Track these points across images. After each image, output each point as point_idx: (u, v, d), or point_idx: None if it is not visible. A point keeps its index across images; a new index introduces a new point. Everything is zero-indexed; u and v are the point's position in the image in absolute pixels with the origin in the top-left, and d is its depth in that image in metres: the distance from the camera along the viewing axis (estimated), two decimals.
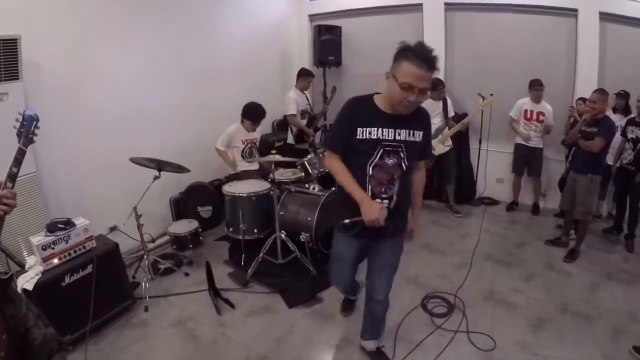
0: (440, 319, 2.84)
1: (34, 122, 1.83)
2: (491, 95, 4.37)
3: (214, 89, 4.83)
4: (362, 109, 1.98)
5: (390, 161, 1.94)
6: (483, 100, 4.42)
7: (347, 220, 1.94)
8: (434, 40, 4.95)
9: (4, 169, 1.70)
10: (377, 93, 2.01)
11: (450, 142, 4.73)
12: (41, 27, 3.19)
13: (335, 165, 1.98)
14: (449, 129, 4.60)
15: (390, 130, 1.91)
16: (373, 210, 1.83)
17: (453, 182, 4.78)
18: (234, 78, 5.06)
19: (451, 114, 4.73)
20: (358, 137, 1.93)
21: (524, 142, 4.61)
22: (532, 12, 4.55)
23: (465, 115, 4.73)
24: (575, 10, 4.31)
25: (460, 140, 5.00)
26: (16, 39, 2.85)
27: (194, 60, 4.57)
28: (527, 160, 4.66)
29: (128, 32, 3.88)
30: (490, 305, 2.98)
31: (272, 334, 2.90)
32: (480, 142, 4.85)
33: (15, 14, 2.97)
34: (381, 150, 1.92)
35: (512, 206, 4.83)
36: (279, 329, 2.94)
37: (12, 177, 1.72)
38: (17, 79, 2.95)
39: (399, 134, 1.92)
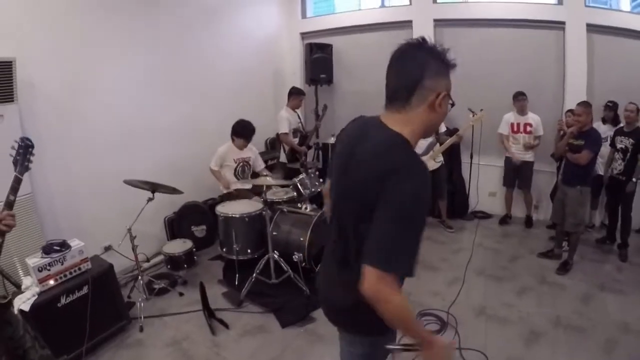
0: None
1: (30, 149, 1.87)
2: (481, 110, 4.42)
3: (208, 108, 4.89)
4: None
5: None
6: (473, 116, 4.46)
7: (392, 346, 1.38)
8: None
9: (1, 191, 1.74)
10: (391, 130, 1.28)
11: (441, 158, 4.76)
12: (36, 49, 3.25)
13: (402, 302, 1.14)
14: (440, 145, 4.64)
15: None
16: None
17: (445, 197, 4.81)
18: (227, 97, 5.12)
19: (442, 129, 4.77)
20: None
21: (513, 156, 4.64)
22: (520, 26, 4.64)
23: (456, 130, 4.77)
24: (563, 23, 4.39)
25: (452, 155, 5.04)
26: (11, 62, 2.91)
27: (187, 80, 4.63)
28: (517, 174, 4.69)
29: (122, 54, 3.95)
30: (483, 320, 2.99)
31: (266, 353, 2.90)
32: (471, 157, 4.89)
33: (10, 36, 3.04)
34: None
35: (505, 219, 4.85)
36: (273, 348, 2.95)
37: (10, 204, 1.76)
38: (12, 101, 3.01)
39: None
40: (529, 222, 4.76)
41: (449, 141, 4.55)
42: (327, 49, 5.71)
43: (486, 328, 2.90)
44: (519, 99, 4.48)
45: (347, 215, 1.29)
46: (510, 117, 4.61)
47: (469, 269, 3.67)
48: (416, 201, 1.11)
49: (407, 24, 5.16)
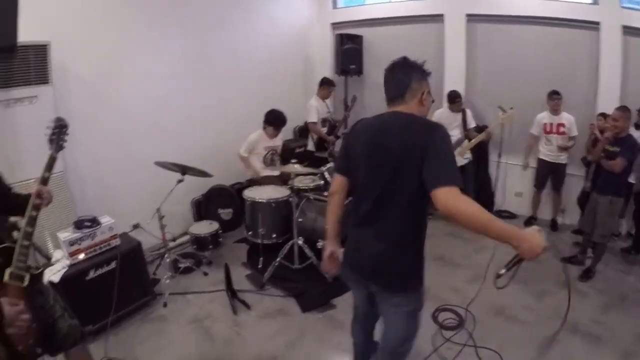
0: (450, 331, 2.88)
1: (64, 129, 1.96)
2: (511, 108, 4.37)
3: (238, 95, 4.98)
4: None
5: None
6: (503, 113, 4.42)
7: (503, 271, 1.60)
8: (455, 51, 5.02)
9: (33, 166, 1.85)
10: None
11: (469, 155, 4.74)
12: (70, 33, 3.37)
13: (475, 204, 1.45)
14: (469, 141, 4.62)
15: None
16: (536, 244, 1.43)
17: (471, 194, 4.75)
18: (257, 85, 5.20)
19: (471, 125, 4.75)
20: None
21: (547, 159, 4.56)
22: (554, 25, 4.52)
23: (485, 127, 4.74)
24: (597, 23, 4.26)
25: (480, 152, 5.00)
26: (46, 45, 3.05)
27: (218, 67, 4.73)
28: (549, 175, 4.62)
29: (154, 39, 4.05)
30: (501, 321, 3.00)
31: (285, 336, 3.00)
32: (499, 155, 4.84)
33: (46, 21, 3.15)
34: None
35: (531, 221, 4.78)
36: (292, 332, 3.04)
37: (44, 181, 1.84)
38: (47, 82, 3.14)
39: None
40: (554, 225, 4.69)
41: (478, 138, 4.53)
42: (357, 40, 5.71)
43: (503, 329, 2.91)
44: (553, 98, 4.38)
45: (390, 179, 1.66)
46: (544, 117, 4.52)
47: (490, 269, 3.65)
48: (449, 141, 1.64)
49: (438, 18, 5.12)
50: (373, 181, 1.72)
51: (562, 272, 3.62)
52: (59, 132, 1.93)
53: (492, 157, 5.05)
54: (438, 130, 1.63)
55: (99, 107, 3.71)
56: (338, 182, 2.00)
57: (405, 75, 1.75)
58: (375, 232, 1.75)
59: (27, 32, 2.80)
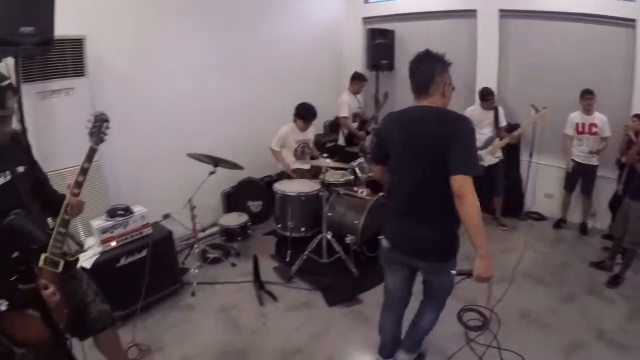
0: (474, 332, 2.90)
1: (105, 124, 2.02)
2: (544, 107, 4.29)
3: (269, 88, 5.05)
4: None
5: None
6: (536, 113, 4.35)
7: (454, 272, 2.08)
8: (488, 47, 4.95)
9: (68, 156, 1.91)
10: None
11: (500, 153, 4.69)
12: (105, 27, 3.49)
13: (477, 201, 1.82)
14: (500, 140, 4.57)
15: None
16: (491, 269, 1.91)
17: (501, 194, 4.71)
18: (288, 78, 5.26)
19: (503, 124, 4.68)
20: None
21: (578, 159, 4.45)
22: (589, 22, 4.38)
23: (517, 126, 4.67)
24: (634, 20, 4.11)
25: (511, 151, 4.92)
26: (81, 39, 3.18)
27: (250, 60, 4.80)
28: (580, 178, 4.52)
29: (186, 32, 4.15)
30: (525, 324, 3.00)
31: (310, 329, 3.05)
32: (530, 155, 4.77)
33: (82, 15, 3.28)
34: None
35: (560, 224, 4.71)
36: (318, 325, 3.09)
37: (84, 170, 1.88)
38: (83, 75, 3.28)
39: None
40: (584, 229, 4.59)
41: (509, 137, 4.48)
42: (389, 34, 5.67)
43: (528, 331, 2.92)
44: (586, 98, 4.24)
45: (425, 165, 1.94)
46: (576, 116, 4.40)
47: (518, 270, 3.63)
48: (473, 134, 1.90)
49: (471, 14, 5.03)
50: (411, 169, 2.00)
51: (589, 277, 3.60)
52: (100, 125, 1.99)
53: (523, 157, 4.97)
54: (465, 123, 1.91)
55: (133, 98, 3.83)
56: (378, 170, 2.32)
57: (429, 67, 1.96)
58: (417, 217, 2.03)
59: (64, 27, 2.91)
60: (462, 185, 1.78)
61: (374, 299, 3.33)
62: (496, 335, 2.83)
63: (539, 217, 4.91)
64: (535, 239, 4.33)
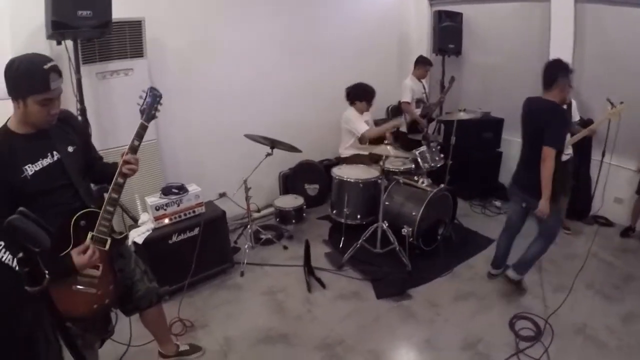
0: (525, 342, 2.80)
1: (157, 99, 1.99)
2: (621, 103, 3.94)
3: (331, 70, 5.01)
4: None
5: None
6: (611, 108, 4.02)
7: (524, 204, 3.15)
8: (562, 33, 4.59)
9: (127, 135, 1.96)
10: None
11: (570, 150, 4.41)
12: (163, 9, 3.59)
13: (552, 166, 2.80)
14: (571, 136, 4.30)
15: None
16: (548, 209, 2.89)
17: (569, 194, 4.40)
18: (350, 61, 5.19)
19: (576, 118, 4.38)
20: None
21: None
22: None
23: (590, 122, 4.36)
24: None
25: (582, 149, 4.60)
26: (140, 21, 3.30)
27: (311, 42, 4.78)
28: None
29: (245, 12, 4.18)
30: (580, 339, 2.85)
31: (356, 320, 3.07)
32: (603, 154, 4.41)
33: None
34: None
35: (628, 232, 4.36)
36: (363, 317, 3.11)
37: (134, 149, 1.90)
38: (142, 56, 3.41)
39: None
40: None
41: (581, 134, 4.16)
42: (457, 17, 5.40)
43: (582, 348, 2.78)
44: None
45: (532, 137, 3.00)
46: None
47: (578, 279, 3.45)
48: (562, 118, 2.98)
49: None
50: (526, 137, 3.11)
51: None
52: (151, 101, 1.97)
53: (595, 156, 4.64)
54: (556, 111, 2.87)
55: (191, 79, 3.94)
56: None
57: (554, 72, 2.86)
58: (525, 166, 3.10)
59: (123, 9, 3.05)
60: (547, 155, 2.78)
61: (424, 295, 3.36)
62: (547, 349, 2.73)
63: (606, 223, 4.58)
64: (601, 246, 4.07)
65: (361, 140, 4.43)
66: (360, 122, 4.35)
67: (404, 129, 5.22)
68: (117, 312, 2.24)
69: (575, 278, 3.48)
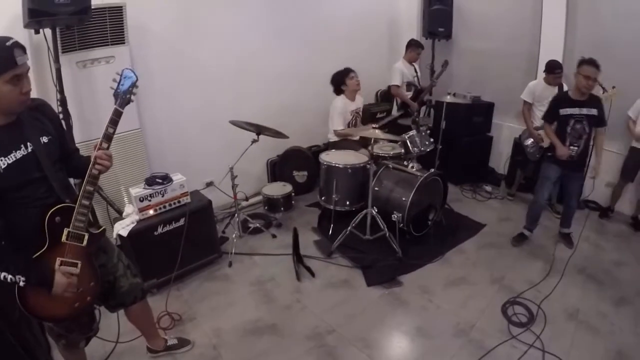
0: (518, 328, 2.77)
1: (132, 83, 1.82)
2: (613, 87, 3.89)
3: (318, 54, 4.90)
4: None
5: (578, 126, 3.40)
6: (603, 93, 3.98)
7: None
8: (553, 17, 4.53)
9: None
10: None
11: None
12: None
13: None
14: None
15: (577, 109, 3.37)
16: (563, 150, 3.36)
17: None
18: (339, 45, 5.07)
19: None
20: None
21: (638, 146, 4.06)
22: None
23: None
24: None
25: None
26: (121, 6, 3.15)
27: (299, 26, 4.65)
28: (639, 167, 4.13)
29: None
30: (572, 325, 2.82)
31: (346, 309, 3.03)
32: (593, 140, 4.41)
33: None
34: (573, 120, 3.39)
35: (607, 212, 4.37)
36: (353, 305, 3.07)
37: (108, 137, 1.76)
38: (124, 43, 3.26)
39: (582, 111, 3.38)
40: (636, 224, 4.19)
41: None
42: (446, 0, 5.31)
43: (574, 334, 2.75)
44: None
45: None
46: None
47: (570, 264, 3.45)
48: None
49: None
50: None
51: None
52: (125, 86, 1.81)
53: None
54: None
55: (176, 65, 3.80)
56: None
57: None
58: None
59: None
60: (600, 134, 3.52)
61: (415, 282, 3.32)
62: (539, 335, 2.70)
63: (597, 208, 4.58)
64: (592, 230, 4.07)
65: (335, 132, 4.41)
66: (338, 118, 4.33)
67: (395, 112, 5.14)
68: (101, 309, 2.18)
69: (567, 263, 3.48)
